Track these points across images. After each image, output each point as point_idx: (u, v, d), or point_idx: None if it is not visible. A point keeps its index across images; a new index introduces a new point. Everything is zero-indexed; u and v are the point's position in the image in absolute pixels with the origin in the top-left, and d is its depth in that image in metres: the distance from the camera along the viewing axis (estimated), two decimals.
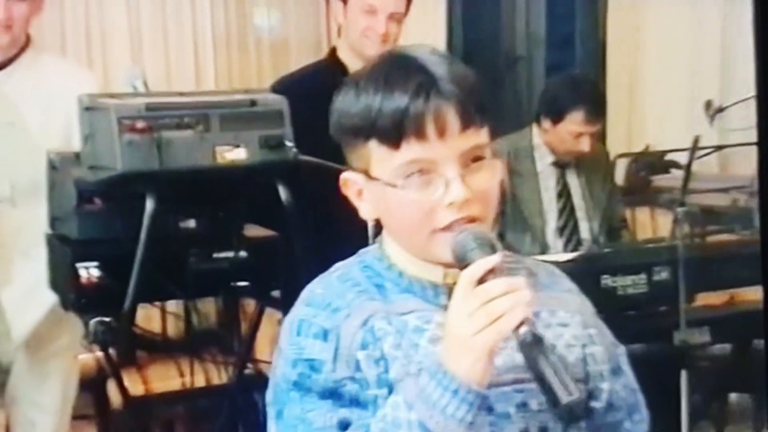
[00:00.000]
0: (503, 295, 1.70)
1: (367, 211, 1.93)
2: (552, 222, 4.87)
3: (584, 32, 7.34)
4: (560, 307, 1.89)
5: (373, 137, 1.85)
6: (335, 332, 1.83)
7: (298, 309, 1.89)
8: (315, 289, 1.92)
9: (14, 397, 4.31)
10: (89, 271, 3.56)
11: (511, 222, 4.84)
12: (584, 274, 4.18)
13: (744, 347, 5.21)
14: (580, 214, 4.89)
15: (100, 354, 4.75)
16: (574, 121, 4.77)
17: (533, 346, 1.72)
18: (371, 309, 1.87)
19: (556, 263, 4.25)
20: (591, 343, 2.00)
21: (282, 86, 4.23)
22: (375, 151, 1.85)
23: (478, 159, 1.85)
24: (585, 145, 4.81)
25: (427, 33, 7.26)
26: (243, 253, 3.71)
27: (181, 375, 4.86)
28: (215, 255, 3.70)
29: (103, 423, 5.20)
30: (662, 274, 4.13)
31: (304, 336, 1.84)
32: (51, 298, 3.87)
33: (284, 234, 3.70)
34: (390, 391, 1.80)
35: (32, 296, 4.02)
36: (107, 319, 3.64)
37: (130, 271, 3.51)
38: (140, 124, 3.44)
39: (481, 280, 1.73)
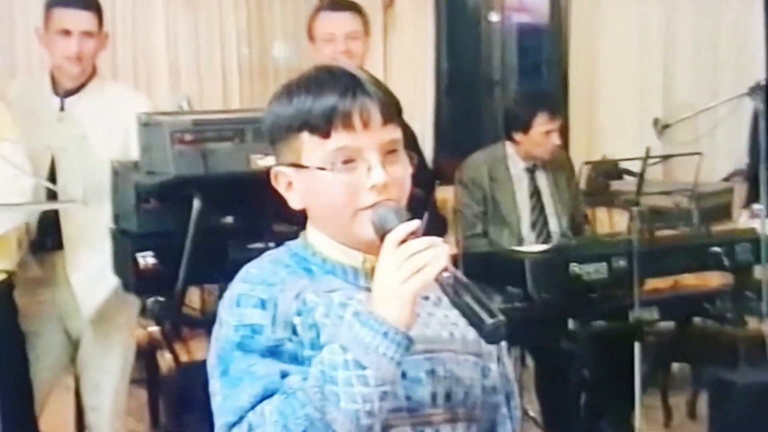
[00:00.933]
0: (425, 249, 1.70)
1: (295, 201, 1.91)
2: (526, 218, 4.87)
3: (550, 61, 7.41)
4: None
5: (305, 129, 1.82)
6: (272, 302, 1.79)
7: (236, 286, 1.85)
8: (250, 270, 1.89)
9: (83, 364, 4.37)
10: (146, 259, 3.59)
11: (492, 219, 4.87)
12: (556, 262, 4.27)
13: (685, 324, 5.28)
14: (549, 210, 4.91)
15: (152, 329, 4.88)
16: (542, 123, 4.82)
17: (456, 286, 1.70)
18: (302, 285, 1.83)
19: (532, 253, 4.37)
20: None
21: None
22: (306, 142, 1.83)
23: (393, 152, 1.84)
24: (555, 139, 4.87)
25: (417, 60, 7.32)
26: (272, 245, 3.72)
27: None
28: (249, 246, 3.71)
29: (153, 386, 5.26)
30: (620, 263, 4.17)
31: (243, 306, 1.80)
32: (113, 283, 3.89)
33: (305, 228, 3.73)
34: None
35: (97, 281, 4.04)
36: (162, 299, 3.71)
37: (180, 258, 3.54)
38: (189, 137, 3.48)
39: (403, 242, 1.72)
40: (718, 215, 5.75)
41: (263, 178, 3.51)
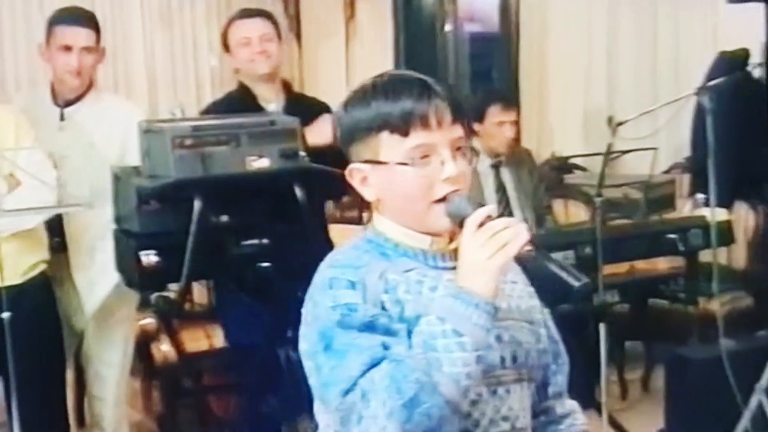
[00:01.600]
0: (505, 229, 1.79)
1: (369, 194, 1.98)
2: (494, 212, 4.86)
3: (501, 67, 7.40)
4: (509, 270, 1.91)
5: (386, 130, 1.91)
6: (361, 283, 1.87)
7: (326, 271, 1.92)
8: (336, 256, 1.97)
9: (87, 357, 4.37)
10: (149, 257, 3.57)
11: None
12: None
13: (640, 305, 5.32)
14: (514, 204, 4.94)
15: (144, 322, 4.84)
16: (495, 114, 4.84)
17: (538, 257, 1.80)
18: (383, 266, 1.92)
19: None
20: (532, 297, 2.08)
21: (212, 108, 4.36)
22: (386, 141, 1.91)
23: (460, 148, 1.94)
24: (509, 131, 4.89)
25: (377, 67, 7.28)
26: (266, 241, 3.72)
27: (208, 337, 4.92)
28: (244, 242, 3.71)
29: (147, 376, 5.23)
30: (585, 250, 4.18)
31: (336, 288, 1.87)
32: (114, 280, 3.88)
33: (299, 225, 3.72)
34: (408, 326, 1.84)
35: (100, 278, 4.04)
36: (166, 294, 3.68)
37: (180, 256, 3.52)
38: (188, 142, 3.44)
39: (481, 225, 1.80)
40: (664, 205, 5.80)
41: (258, 178, 3.57)
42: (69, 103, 4.13)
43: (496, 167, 4.94)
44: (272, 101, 4.19)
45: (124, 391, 4.49)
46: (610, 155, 4.39)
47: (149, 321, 4.91)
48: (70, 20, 4.05)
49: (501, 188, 4.94)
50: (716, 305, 4.45)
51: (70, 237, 4.11)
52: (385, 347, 1.81)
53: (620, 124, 4.42)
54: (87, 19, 4.09)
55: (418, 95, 1.90)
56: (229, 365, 4.90)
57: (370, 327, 1.84)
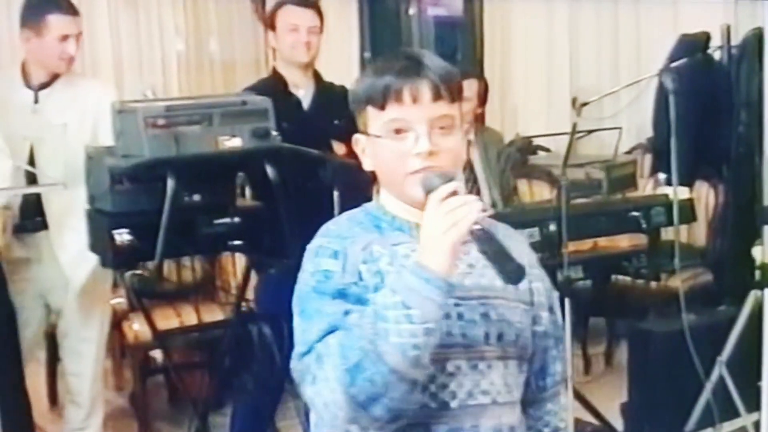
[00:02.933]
0: (462, 206, 1.80)
1: (367, 164, 2.04)
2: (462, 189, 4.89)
3: (465, 50, 7.45)
4: (512, 252, 1.87)
5: (369, 103, 1.97)
6: (343, 253, 1.92)
7: (317, 239, 1.98)
8: (329, 226, 2.02)
9: (64, 334, 4.38)
10: (122, 236, 3.58)
11: None
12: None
13: (603, 282, 5.38)
14: (482, 182, 4.97)
15: (115, 301, 4.84)
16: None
17: (483, 237, 1.81)
18: (370, 238, 1.97)
19: None
20: (536, 280, 2.08)
21: (250, 91, 4.30)
22: (370, 114, 1.98)
23: (445, 126, 1.95)
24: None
25: (342, 51, 7.35)
26: (237, 219, 3.74)
27: (178, 315, 4.94)
28: (215, 221, 3.73)
29: (118, 355, 5.24)
30: (550, 227, 4.21)
31: (321, 257, 1.94)
32: (93, 259, 3.88)
33: (270, 204, 3.74)
34: None
35: (82, 258, 4.02)
36: (140, 272, 3.70)
37: (153, 234, 3.53)
38: (161, 122, 3.46)
39: (444, 200, 1.82)
40: (625, 184, 5.85)
41: (230, 157, 3.60)
42: (43, 86, 4.12)
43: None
44: (302, 88, 4.28)
45: (101, 368, 4.52)
46: (575, 135, 4.42)
47: (119, 300, 4.92)
48: (63, 9, 4.05)
49: (468, 166, 4.97)
50: (678, 281, 4.50)
51: (51, 217, 4.11)
52: (348, 315, 1.86)
53: (584, 104, 4.44)
54: (74, 7, 4.11)
55: (398, 71, 1.94)
56: (200, 342, 4.95)
57: (341, 294, 1.89)
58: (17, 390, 4.13)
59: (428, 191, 1.87)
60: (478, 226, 1.80)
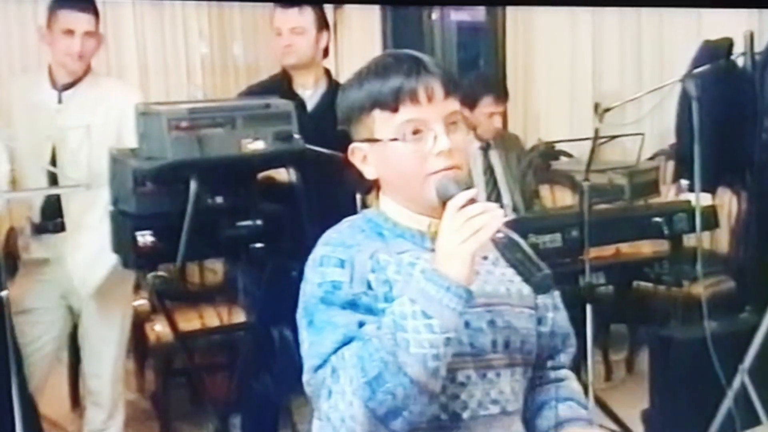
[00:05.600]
0: (481, 214, 1.77)
1: (370, 173, 1.98)
2: (482, 194, 4.89)
3: (487, 55, 7.42)
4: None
5: (377, 107, 1.91)
6: (350, 262, 1.88)
7: (319, 249, 1.93)
8: (331, 235, 1.97)
9: (84, 335, 4.37)
10: (145, 237, 3.58)
11: None
12: (516, 232, 4.28)
13: (625, 288, 5.34)
14: (502, 186, 4.95)
15: (137, 303, 4.84)
16: (486, 105, 4.84)
17: (508, 244, 1.78)
18: (375, 246, 1.92)
19: None
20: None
21: (249, 90, 4.37)
22: (378, 118, 1.92)
23: (454, 122, 1.93)
24: (497, 122, 4.90)
25: (365, 55, 7.30)
26: (259, 222, 3.73)
27: (200, 317, 4.93)
28: (238, 224, 3.72)
29: (140, 356, 5.24)
30: (572, 233, 4.19)
31: (326, 266, 1.88)
32: (112, 260, 3.87)
33: (291, 207, 3.73)
34: None
35: (98, 259, 4.02)
36: (162, 273, 3.69)
37: (175, 236, 3.52)
38: (185, 124, 3.46)
39: (462, 207, 1.79)
40: (648, 190, 5.82)
41: (253, 160, 3.59)
42: (66, 87, 4.12)
43: (484, 150, 4.95)
44: (309, 88, 4.24)
45: (121, 369, 4.50)
46: (597, 140, 4.40)
47: (142, 302, 4.91)
48: (72, 5, 4.03)
49: (489, 170, 4.95)
50: (700, 288, 4.46)
51: (69, 218, 4.10)
52: (361, 326, 1.82)
53: (607, 110, 4.42)
54: (88, 4, 4.08)
55: (407, 71, 1.89)
56: (222, 344, 4.94)
57: (352, 305, 1.85)
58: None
59: (444, 198, 1.84)
60: (501, 234, 1.77)
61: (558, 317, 2.11)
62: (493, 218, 1.77)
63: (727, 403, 4.28)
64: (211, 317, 4.90)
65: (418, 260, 1.91)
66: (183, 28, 7.01)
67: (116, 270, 3.95)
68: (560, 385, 2.12)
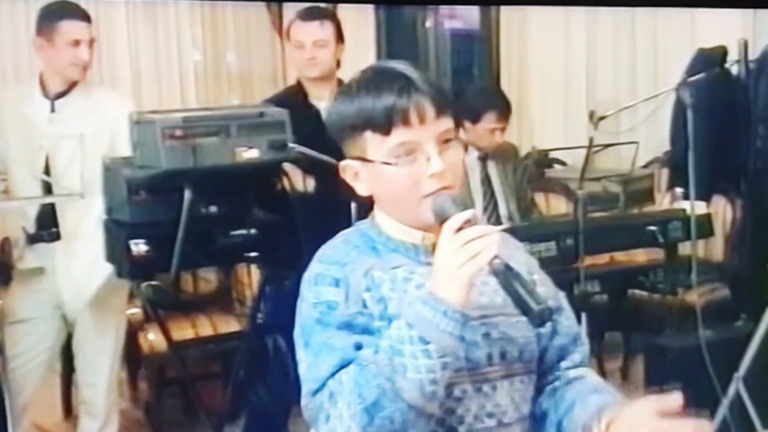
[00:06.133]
0: (479, 238, 1.74)
1: (362, 189, 1.95)
2: (479, 203, 4.89)
3: (481, 63, 7.44)
4: (510, 259, 1.82)
5: (368, 129, 1.87)
6: (345, 281, 1.86)
7: (314, 266, 1.91)
8: (325, 251, 1.94)
9: (79, 345, 4.36)
10: (139, 246, 3.58)
11: None
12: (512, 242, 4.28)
13: (620, 296, 5.35)
14: (499, 196, 4.95)
15: (130, 312, 4.83)
16: (489, 120, 4.83)
17: (506, 273, 1.75)
18: (370, 263, 1.89)
19: None
20: (539, 285, 2.00)
21: (267, 102, 4.29)
22: (370, 139, 1.88)
23: (448, 140, 1.89)
24: (498, 138, 4.89)
25: (360, 62, 7.30)
26: (253, 231, 3.73)
27: (193, 327, 4.93)
28: (232, 233, 3.72)
29: (133, 366, 5.24)
30: (567, 241, 4.19)
31: (320, 285, 1.87)
32: (107, 270, 3.86)
33: (286, 216, 3.73)
34: (390, 324, 1.80)
35: (94, 269, 4.00)
36: (156, 283, 3.69)
37: (169, 245, 3.52)
38: (179, 133, 3.46)
39: (459, 229, 1.76)
40: (642, 198, 5.84)
41: (246, 169, 3.59)
42: (59, 96, 4.11)
43: (482, 160, 4.96)
44: (324, 99, 4.24)
45: (115, 378, 4.49)
46: (592, 148, 4.41)
47: (135, 311, 4.91)
48: (74, 15, 4.05)
49: (486, 180, 4.95)
50: (695, 296, 4.48)
51: (65, 227, 4.09)
52: (359, 348, 1.81)
53: (602, 118, 4.44)
54: (86, 13, 4.10)
55: (398, 91, 1.85)
56: (216, 354, 4.94)
57: (348, 326, 1.83)
58: None
59: (441, 218, 1.81)
60: (499, 261, 1.75)
61: (561, 318, 2.06)
62: (491, 243, 1.74)
63: (722, 411, 4.27)
64: (205, 326, 4.91)
65: (412, 275, 1.89)
66: (176, 36, 7.02)
67: (111, 279, 3.95)
68: (584, 380, 2.06)
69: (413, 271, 1.90)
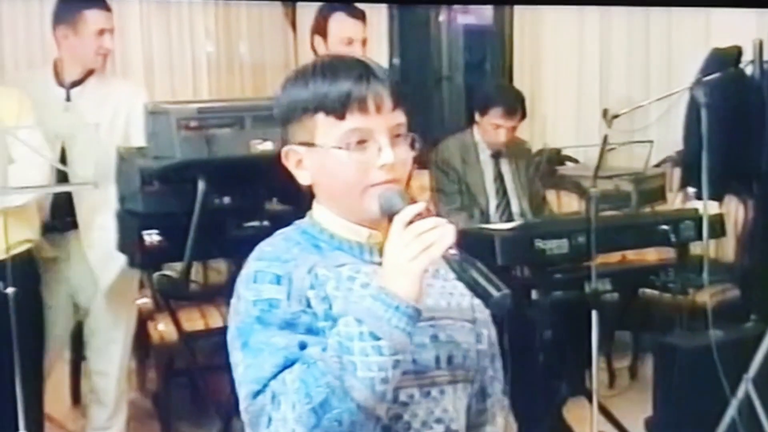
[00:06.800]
0: (432, 229, 1.69)
1: (304, 178, 1.89)
2: (492, 200, 4.90)
3: (494, 59, 7.44)
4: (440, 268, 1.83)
5: (321, 111, 1.81)
6: (287, 277, 1.77)
7: (252, 264, 1.83)
8: (264, 248, 1.86)
9: (91, 333, 4.40)
10: (152, 237, 3.61)
11: (464, 200, 4.90)
12: (522, 238, 4.28)
13: (630, 295, 5.35)
14: (512, 193, 4.96)
15: (140, 301, 4.85)
16: (495, 115, 4.83)
17: (461, 262, 1.69)
18: (313, 260, 1.81)
19: (503, 230, 4.39)
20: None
21: None
22: (321, 123, 1.82)
23: (399, 135, 1.83)
24: (501, 136, 4.88)
25: (371, 57, 7.32)
26: (266, 223, 3.74)
27: (203, 317, 4.94)
28: (245, 224, 3.74)
29: (143, 355, 5.26)
30: (579, 239, 4.19)
31: (260, 282, 1.78)
32: (122, 258, 3.90)
33: (299, 207, 3.73)
34: (333, 324, 1.73)
35: (112, 257, 4.04)
36: (168, 273, 3.70)
37: (182, 236, 3.54)
38: (193, 124, 3.50)
39: (410, 223, 1.71)
40: (654, 197, 5.83)
41: (260, 161, 3.59)
42: (74, 84, 4.14)
43: (495, 157, 4.97)
44: None
45: (126, 367, 4.54)
46: (606, 147, 4.41)
47: (145, 301, 4.92)
48: (99, 4, 4.10)
49: (499, 177, 4.96)
50: (706, 296, 4.48)
51: (81, 216, 4.12)
52: (303, 347, 1.73)
53: (616, 116, 4.43)
54: (108, 3, 4.15)
55: (356, 78, 1.80)
56: (225, 345, 4.93)
57: (290, 325, 1.75)
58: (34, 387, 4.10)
59: (389, 213, 1.77)
60: (453, 251, 1.69)
61: (489, 335, 2.01)
62: (445, 234, 1.69)
63: (730, 413, 4.28)
64: (215, 317, 4.92)
65: (357, 274, 1.82)
66: (189, 27, 7.01)
67: (124, 269, 3.99)
68: None
69: (358, 270, 1.83)
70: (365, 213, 1.83)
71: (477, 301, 1.84)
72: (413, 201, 1.77)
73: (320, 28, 4.24)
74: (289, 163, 1.90)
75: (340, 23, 4.21)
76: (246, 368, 1.75)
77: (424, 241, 1.68)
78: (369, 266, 1.83)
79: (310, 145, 1.84)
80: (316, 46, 4.28)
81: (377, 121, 1.81)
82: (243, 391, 1.76)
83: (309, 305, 1.77)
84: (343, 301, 1.77)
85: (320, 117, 1.82)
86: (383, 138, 1.81)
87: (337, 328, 1.70)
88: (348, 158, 1.80)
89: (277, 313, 1.74)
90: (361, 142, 1.81)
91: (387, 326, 1.67)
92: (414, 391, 1.83)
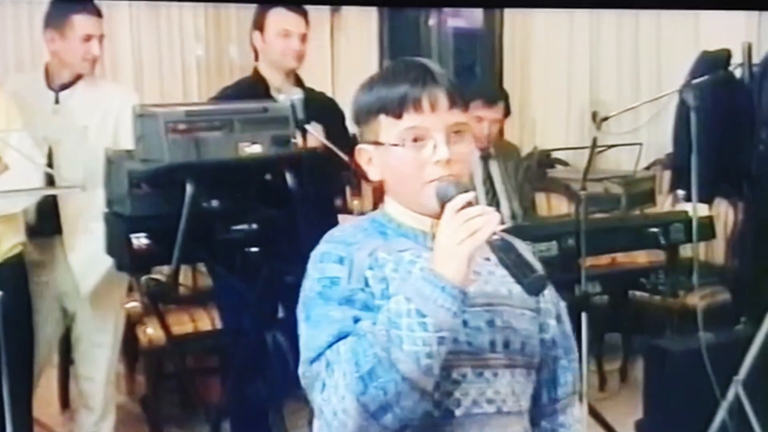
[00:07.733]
0: (478, 216, 1.79)
1: (374, 174, 2.03)
2: (482, 202, 4.88)
3: (484, 62, 7.44)
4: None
5: (382, 112, 1.96)
6: (349, 259, 1.92)
7: (321, 246, 1.97)
8: (333, 233, 2.01)
9: (78, 338, 4.37)
10: (140, 240, 3.58)
11: None
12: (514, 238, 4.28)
13: (620, 297, 5.35)
14: (501, 195, 4.95)
15: (129, 305, 4.83)
16: (475, 108, 4.80)
17: (503, 247, 1.79)
18: (376, 244, 1.96)
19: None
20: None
21: (223, 94, 4.29)
22: (383, 123, 1.97)
23: (459, 132, 1.96)
24: (486, 128, 4.86)
25: (362, 60, 7.35)
26: (254, 226, 3.74)
27: (192, 320, 4.93)
28: (233, 227, 3.72)
29: (131, 359, 5.24)
30: (568, 242, 4.18)
31: (326, 262, 1.93)
32: (107, 263, 3.87)
33: (288, 211, 3.72)
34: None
35: (94, 261, 4.02)
36: (156, 276, 3.69)
37: (170, 239, 3.52)
38: (182, 127, 3.46)
39: (461, 210, 1.81)
40: (644, 200, 5.84)
41: (249, 164, 3.58)
42: (63, 87, 4.12)
43: (484, 159, 4.96)
44: (284, 92, 4.15)
45: (113, 371, 4.51)
46: (595, 149, 4.40)
47: (134, 304, 4.91)
48: (88, 10, 4.09)
49: (488, 179, 4.95)
50: (696, 299, 4.47)
51: (66, 219, 4.10)
52: (357, 321, 1.85)
53: (605, 119, 4.42)
54: (98, 9, 4.15)
55: (414, 80, 1.94)
56: (214, 348, 4.93)
57: (348, 301, 1.88)
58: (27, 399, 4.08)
59: (444, 201, 1.87)
60: (497, 236, 1.80)
61: (559, 330, 2.10)
62: (490, 220, 1.80)
63: (721, 415, 4.28)
64: (204, 321, 4.91)
65: (419, 258, 1.93)
66: (179, 30, 7.01)
67: (111, 272, 3.96)
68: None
69: (420, 255, 1.94)
70: (425, 206, 1.96)
71: (545, 292, 2.00)
72: (468, 191, 1.88)
73: (259, 23, 4.22)
74: (362, 161, 2.05)
75: (277, 16, 4.18)
76: (307, 338, 1.90)
77: (471, 227, 1.79)
78: (430, 252, 1.90)
79: (376, 143, 2.00)
80: (254, 41, 4.26)
81: (433, 120, 1.94)
82: (302, 358, 1.89)
83: (367, 284, 1.91)
84: (400, 282, 1.89)
85: (382, 117, 1.98)
86: (439, 135, 1.93)
87: (388, 305, 1.82)
88: (405, 154, 1.95)
89: (337, 289, 1.89)
90: (417, 139, 1.95)
91: (433, 305, 1.77)
92: (467, 370, 1.93)
